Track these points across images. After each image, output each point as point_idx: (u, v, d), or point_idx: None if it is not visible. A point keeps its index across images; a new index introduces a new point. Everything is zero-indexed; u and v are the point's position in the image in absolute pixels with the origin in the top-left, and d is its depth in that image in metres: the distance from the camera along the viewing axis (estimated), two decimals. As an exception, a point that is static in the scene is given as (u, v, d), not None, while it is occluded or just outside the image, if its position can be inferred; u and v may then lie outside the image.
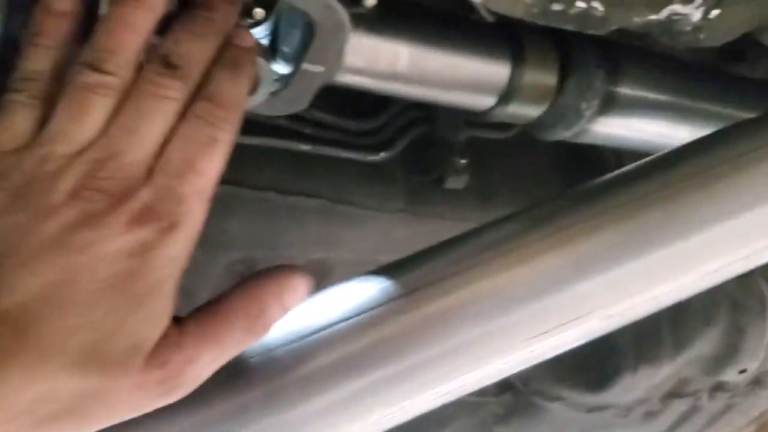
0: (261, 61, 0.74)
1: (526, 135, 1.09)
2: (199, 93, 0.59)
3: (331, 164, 1.03)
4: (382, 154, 1.05)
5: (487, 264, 0.78)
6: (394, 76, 0.85)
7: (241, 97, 0.64)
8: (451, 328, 0.75)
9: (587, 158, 1.26)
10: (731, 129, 0.90)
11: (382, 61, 0.84)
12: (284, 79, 0.82)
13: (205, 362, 0.61)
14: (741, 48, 1.43)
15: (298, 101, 0.83)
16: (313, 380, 0.72)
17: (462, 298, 0.76)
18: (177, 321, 0.60)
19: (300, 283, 0.66)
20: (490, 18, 0.89)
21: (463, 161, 1.06)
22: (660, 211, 0.80)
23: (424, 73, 0.86)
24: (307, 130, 0.99)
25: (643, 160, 0.88)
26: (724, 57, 1.41)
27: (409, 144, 1.09)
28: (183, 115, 0.58)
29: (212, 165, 0.57)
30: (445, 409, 1.37)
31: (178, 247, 0.55)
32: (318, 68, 0.79)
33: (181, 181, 0.55)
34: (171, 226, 0.54)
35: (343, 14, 0.75)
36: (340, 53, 0.80)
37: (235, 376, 0.67)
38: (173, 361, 0.58)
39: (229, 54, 0.64)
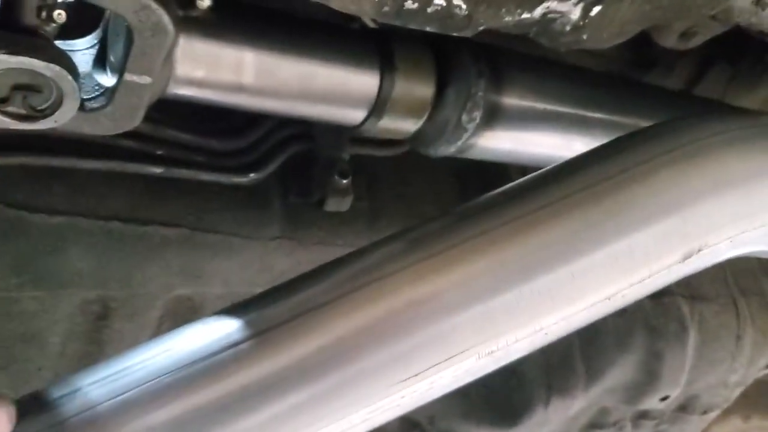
0: (63, 73, 0.63)
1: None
2: None
3: (191, 189, 0.92)
4: (252, 176, 0.94)
5: (345, 300, 0.69)
6: (239, 88, 0.75)
7: None
8: (306, 376, 0.66)
9: (490, 173, 1.17)
10: (624, 139, 0.82)
11: (224, 70, 0.74)
12: (109, 93, 0.71)
13: None
14: (652, 56, 1.37)
15: (128, 118, 0.72)
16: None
17: (317, 341, 0.67)
18: None
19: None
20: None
21: (345, 181, 0.96)
22: (544, 231, 0.72)
23: (275, 83, 0.76)
24: (160, 152, 0.88)
25: (529, 176, 0.80)
26: (635, 65, 1.35)
27: (286, 164, 0.98)
28: None
29: None
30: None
31: None
32: (144, 79, 0.69)
33: None
34: None
35: (161, 16, 0.65)
36: (168, 62, 0.69)
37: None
38: None
39: None
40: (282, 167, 0.99)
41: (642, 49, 1.27)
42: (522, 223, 0.71)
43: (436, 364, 0.67)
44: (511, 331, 0.70)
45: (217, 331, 0.65)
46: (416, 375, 0.67)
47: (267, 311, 0.68)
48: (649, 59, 1.31)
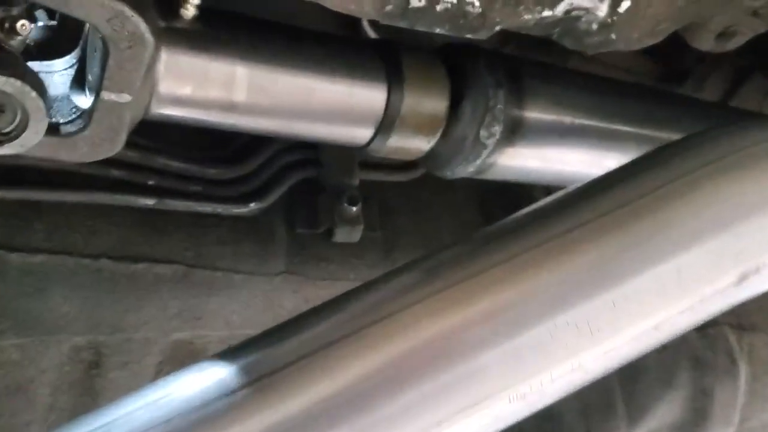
0: (26, 89, 0.56)
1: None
2: None
3: (186, 221, 0.85)
4: (253, 206, 0.88)
5: (354, 339, 0.62)
6: (230, 106, 0.68)
7: None
8: (314, 426, 0.59)
9: (514, 194, 1.09)
10: (661, 151, 0.75)
11: (213, 86, 0.67)
12: (86, 115, 0.64)
13: None
14: (683, 69, 1.29)
15: (108, 142, 0.65)
16: None
17: (324, 386, 0.58)
18: None
19: None
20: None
21: (355, 209, 0.89)
22: (577, 255, 0.64)
23: (270, 100, 0.69)
24: (151, 182, 0.82)
25: (557, 194, 0.72)
26: (666, 79, 1.27)
27: (290, 192, 0.92)
28: None
29: None
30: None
31: None
32: (123, 97, 0.62)
33: None
34: None
35: (138, 24, 0.58)
36: (149, 77, 0.63)
37: None
38: None
39: None
40: (286, 196, 0.92)
41: (672, 61, 1.20)
42: (552, 246, 0.64)
43: (461, 410, 0.59)
44: (545, 369, 0.62)
45: (212, 376, 0.58)
46: (438, 423, 0.59)
47: (268, 353, 0.60)
48: (680, 73, 1.23)
